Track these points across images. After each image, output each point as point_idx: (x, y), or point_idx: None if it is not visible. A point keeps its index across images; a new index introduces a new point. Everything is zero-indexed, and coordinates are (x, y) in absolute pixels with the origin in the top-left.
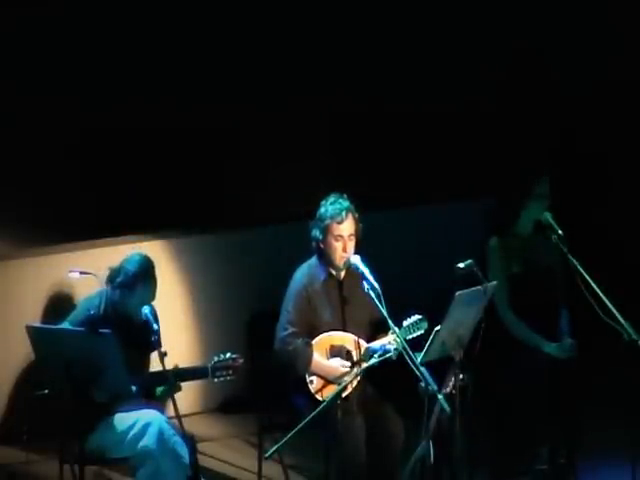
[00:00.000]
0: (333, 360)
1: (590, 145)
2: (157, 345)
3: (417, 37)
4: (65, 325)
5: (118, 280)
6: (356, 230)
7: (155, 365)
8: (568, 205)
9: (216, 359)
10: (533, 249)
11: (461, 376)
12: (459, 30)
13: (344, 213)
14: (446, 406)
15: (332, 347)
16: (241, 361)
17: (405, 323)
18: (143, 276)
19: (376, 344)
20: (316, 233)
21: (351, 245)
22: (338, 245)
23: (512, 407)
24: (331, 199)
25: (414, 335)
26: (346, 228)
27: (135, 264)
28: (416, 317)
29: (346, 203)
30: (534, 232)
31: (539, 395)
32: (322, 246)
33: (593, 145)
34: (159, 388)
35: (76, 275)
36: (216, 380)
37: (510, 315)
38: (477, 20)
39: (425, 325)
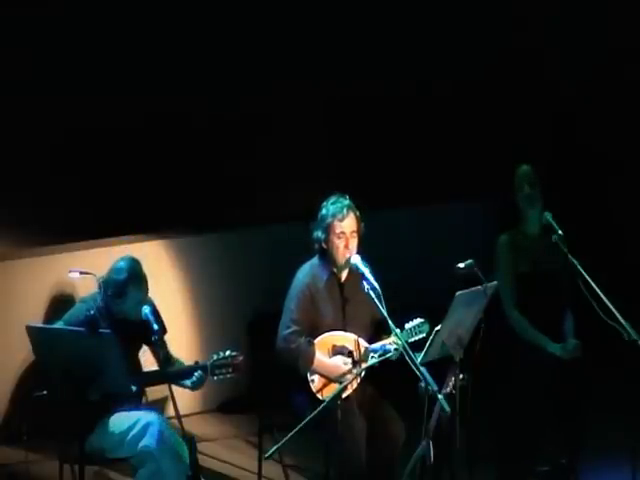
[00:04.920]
0: (335, 358)
1: (591, 144)
2: (157, 345)
3: (418, 37)
4: (59, 325)
5: (109, 292)
6: (358, 228)
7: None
8: (568, 205)
9: (215, 357)
10: (541, 249)
11: (461, 376)
12: (458, 26)
13: (345, 210)
14: (446, 406)
15: (334, 347)
16: (241, 359)
17: (407, 326)
18: (132, 280)
19: (376, 345)
20: (318, 233)
21: (353, 242)
22: (340, 242)
23: (514, 407)
24: (332, 199)
25: (416, 338)
26: (348, 225)
27: (121, 272)
28: (418, 320)
29: (347, 201)
30: (542, 232)
31: (542, 395)
32: (325, 245)
33: (594, 144)
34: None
35: (76, 275)
36: (215, 378)
37: (515, 314)
38: (476, 20)
39: (427, 328)
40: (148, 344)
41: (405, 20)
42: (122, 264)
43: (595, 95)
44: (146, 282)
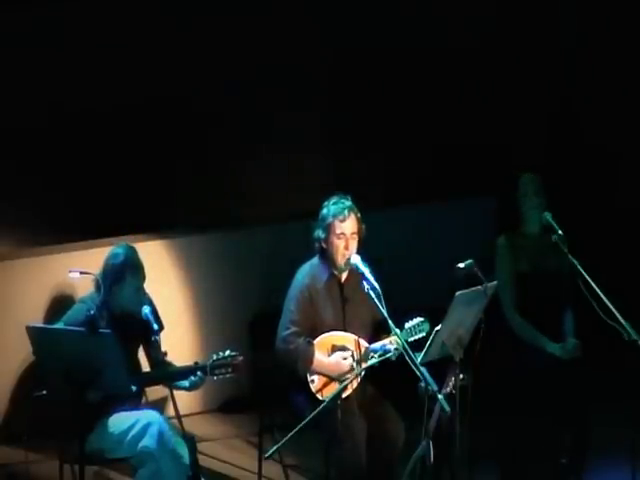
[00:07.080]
0: (333, 355)
1: (591, 143)
2: (154, 346)
3: (420, 36)
4: (59, 326)
5: (107, 281)
6: (359, 229)
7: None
8: (569, 205)
9: (215, 357)
10: (541, 250)
11: (461, 376)
12: (461, 21)
13: (346, 211)
14: (446, 406)
15: (334, 347)
16: (240, 359)
17: (407, 325)
18: (129, 264)
19: (377, 345)
20: (319, 233)
21: (353, 244)
22: (340, 243)
23: (514, 407)
24: (334, 199)
25: (416, 337)
26: (348, 226)
27: (118, 256)
28: (418, 319)
29: (348, 202)
30: (542, 232)
31: (541, 395)
32: (324, 245)
33: (594, 143)
34: (184, 382)
35: (76, 275)
36: (215, 378)
37: (515, 315)
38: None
39: (427, 327)
40: (146, 344)
41: (408, 24)
42: (118, 250)
43: (595, 95)
44: (143, 269)
